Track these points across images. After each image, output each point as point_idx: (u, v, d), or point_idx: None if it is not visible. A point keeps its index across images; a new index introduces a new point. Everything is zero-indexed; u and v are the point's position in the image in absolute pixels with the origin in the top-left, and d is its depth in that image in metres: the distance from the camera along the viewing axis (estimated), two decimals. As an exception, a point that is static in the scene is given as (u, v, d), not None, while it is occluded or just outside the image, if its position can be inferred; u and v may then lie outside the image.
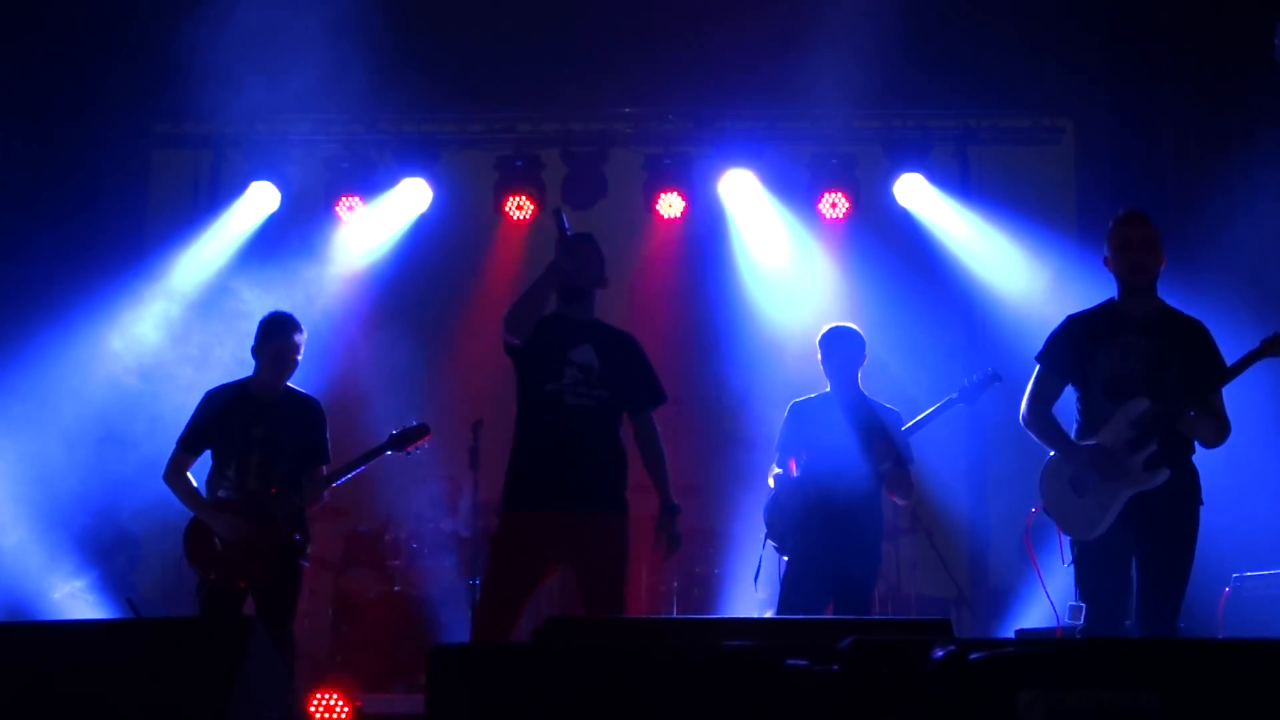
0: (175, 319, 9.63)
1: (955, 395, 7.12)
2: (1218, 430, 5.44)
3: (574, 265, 5.81)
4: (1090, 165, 9.79)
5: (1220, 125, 8.67)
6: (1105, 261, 5.65)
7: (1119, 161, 9.35)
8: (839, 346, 6.97)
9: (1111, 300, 5.67)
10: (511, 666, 2.92)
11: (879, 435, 6.71)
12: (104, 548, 8.81)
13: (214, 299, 9.69)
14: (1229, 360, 5.46)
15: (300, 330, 6.79)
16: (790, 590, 6.67)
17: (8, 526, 8.50)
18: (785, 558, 6.83)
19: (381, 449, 6.81)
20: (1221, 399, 5.47)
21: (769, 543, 6.88)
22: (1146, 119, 9.22)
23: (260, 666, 4.35)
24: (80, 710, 3.89)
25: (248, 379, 6.80)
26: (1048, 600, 6.00)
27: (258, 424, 6.62)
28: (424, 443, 6.92)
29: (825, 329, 7.07)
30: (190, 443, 6.72)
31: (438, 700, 2.87)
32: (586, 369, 5.85)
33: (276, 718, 4.61)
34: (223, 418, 6.67)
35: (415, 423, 6.94)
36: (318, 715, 6.85)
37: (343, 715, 6.85)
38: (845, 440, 6.74)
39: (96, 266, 9.48)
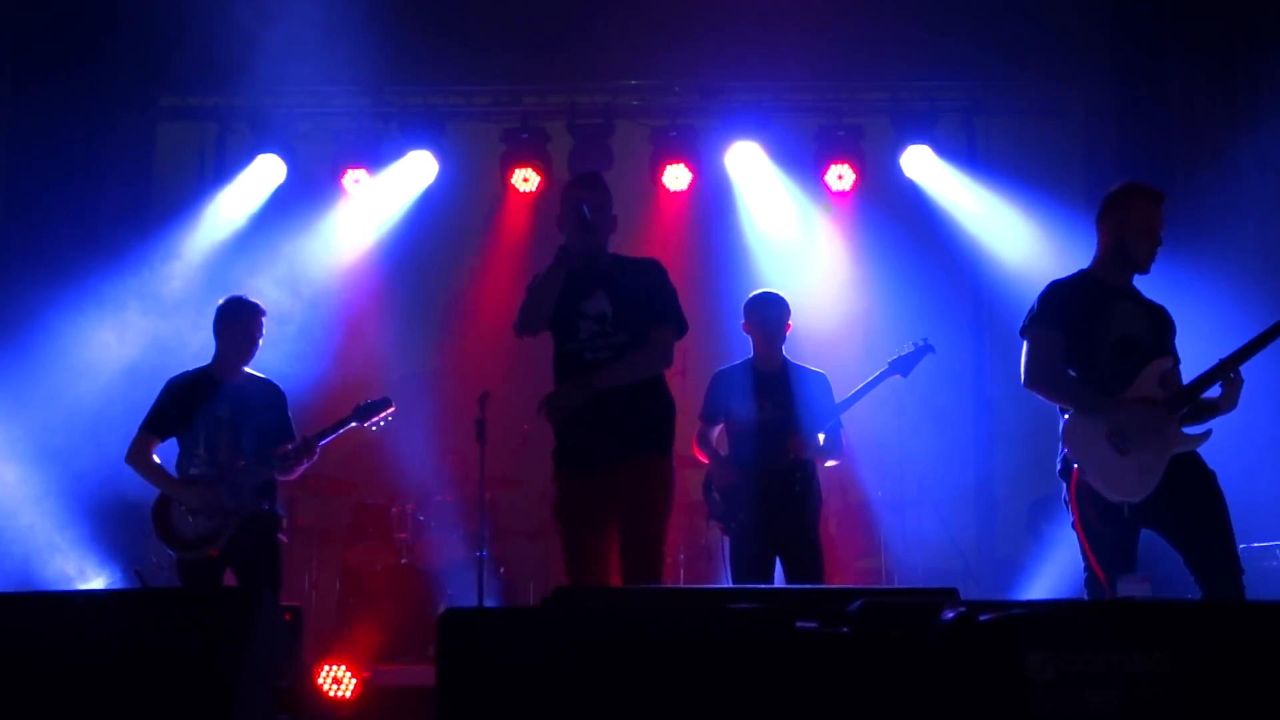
0: (182, 292, 9.64)
1: (886, 368, 7.23)
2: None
3: (584, 246, 5.64)
4: (1098, 135, 9.75)
5: (1228, 92, 8.63)
6: (1100, 223, 5.50)
7: (1127, 131, 9.31)
8: (765, 313, 7.05)
9: (1089, 271, 5.54)
10: (522, 631, 2.93)
11: (795, 417, 6.81)
12: (113, 521, 8.82)
13: (221, 271, 9.69)
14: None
15: (262, 312, 6.93)
16: (736, 561, 6.82)
17: (18, 501, 8.52)
18: (726, 536, 6.99)
19: (345, 421, 6.98)
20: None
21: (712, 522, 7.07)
22: (1154, 87, 9.18)
23: (268, 637, 4.35)
24: (87, 681, 3.90)
25: (209, 365, 6.92)
26: (1098, 573, 5.85)
27: (222, 405, 6.74)
28: (388, 414, 7.08)
29: (751, 295, 7.15)
30: (155, 426, 6.82)
31: (449, 663, 2.88)
32: (600, 319, 5.64)
33: (285, 688, 4.62)
34: (188, 401, 6.77)
35: (377, 398, 7.09)
36: (326, 687, 6.85)
37: (351, 687, 6.86)
38: (764, 419, 6.86)
39: (103, 240, 9.48)
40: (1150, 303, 5.54)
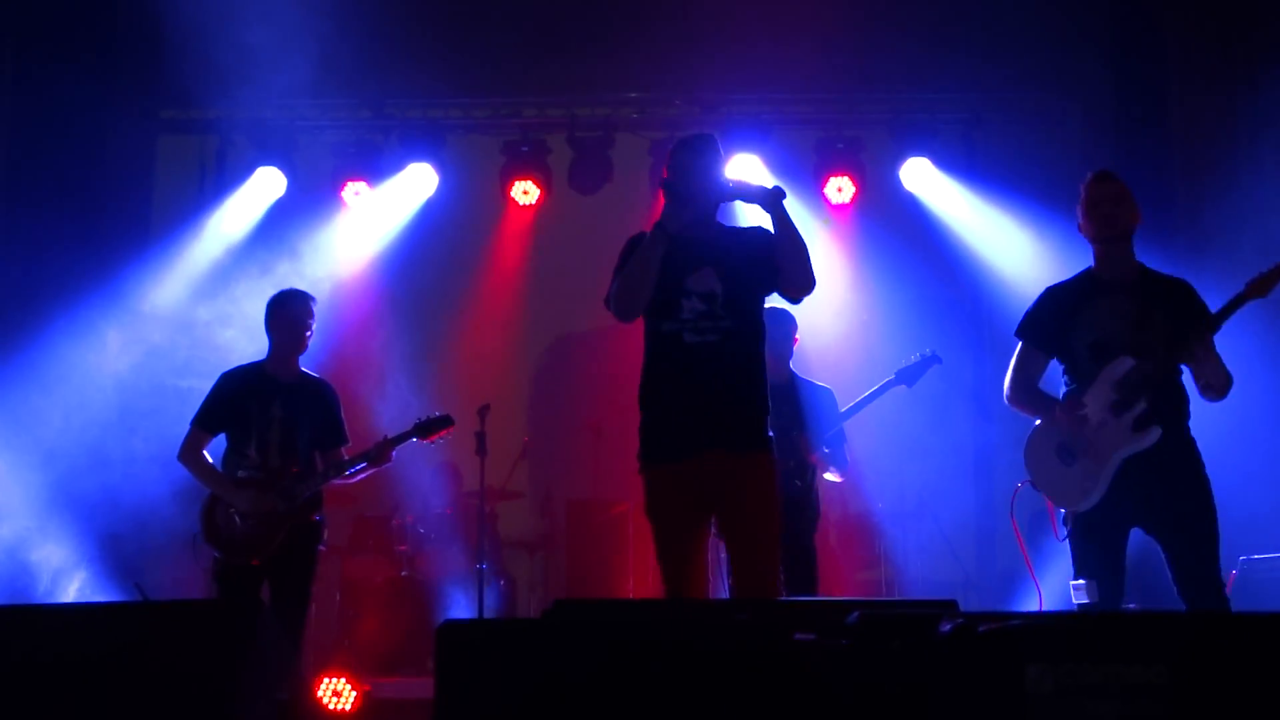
0: (182, 304, 9.64)
1: (893, 377, 7.24)
2: (1222, 369, 5.23)
3: (680, 223, 5.09)
4: (1098, 146, 9.75)
5: (1227, 101, 8.64)
6: (1080, 229, 5.54)
7: (1126, 142, 9.32)
8: (769, 328, 7.04)
9: (1089, 268, 5.55)
10: (521, 643, 2.93)
11: (801, 426, 6.80)
12: (113, 533, 8.81)
13: (221, 284, 9.69)
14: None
15: (313, 300, 6.86)
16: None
17: (17, 514, 8.51)
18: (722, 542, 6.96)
19: (406, 436, 6.87)
20: (1216, 353, 5.27)
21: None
22: (1153, 98, 9.19)
23: (268, 649, 4.36)
24: (88, 693, 3.90)
25: (263, 360, 6.84)
26: (1033, 580, 5.94)
27: (276, 403, 6.66)
28: (448, 433, 6.98)
29: None
30: (207, 422, 6.74)
31: (447, 675, 2.88)
32: (708, 298, 5.10)
33: (284, 701, 4.62)
34: (240, 398, 6.69)
35: (439, 413, 7.00)
36: (326, 699, 6.84)
37: (351, 699, 6.85)
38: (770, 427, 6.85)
39: (103, 252, 9.48)
40: (1156, 282, 5.47)
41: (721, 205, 5.38)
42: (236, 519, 6.55)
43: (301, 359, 6.85)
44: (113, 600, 8.20)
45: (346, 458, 6.77)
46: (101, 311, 9.19)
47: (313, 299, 6.87)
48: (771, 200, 5.12)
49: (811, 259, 5.15)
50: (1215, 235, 8.06)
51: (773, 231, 5.15)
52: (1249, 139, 8.24)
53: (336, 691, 6.84)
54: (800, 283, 5.17)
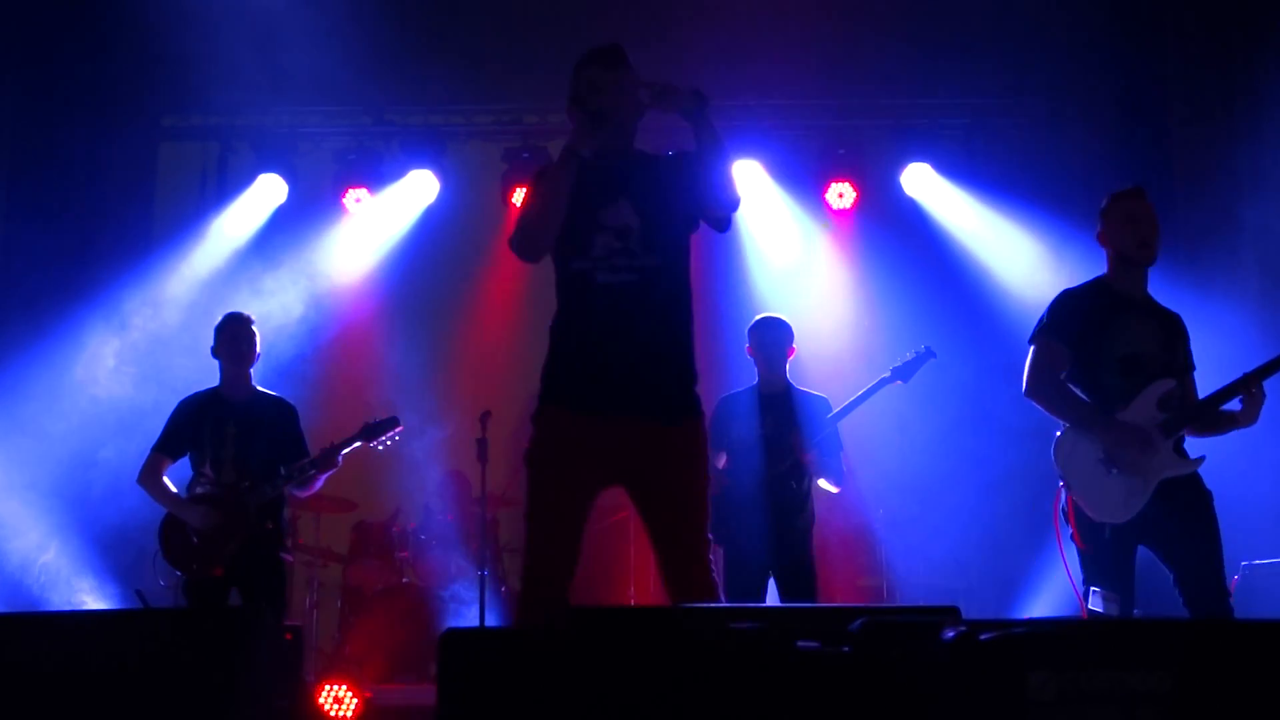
0: (183, 311, 9.64)
1: (888, 374, 7.24)
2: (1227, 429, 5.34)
3: (592, 146, 4.52)
4: (1099, 150, 9.75)
5: (1227, 106, 8.65)
6: (1099, 237, 5.48)
7: (1127, 146, 9.32)
8: (765, 336, 7.07)
9: (1103, 279, 5.51)
10: (523, 651, 2.92)
11: (796, 429, 6.80)
12: (114, 541, 8.81)
13: (222, 291, 9.69)
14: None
15: (249, 320, 7.01)
16: (729, 577, 6.76)
17: (18, 523, 8.51)
18: (720, 548, 6.95)
19: (351, 440, 6.95)
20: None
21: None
22: (1154, 103, 9.20)
23: (268, 657, 4.35)
24: (86, 700, 3.89)
25: (217, 385, 6.99)
26: (1073, 587, 5.87)
27: (230, 423, 6.81)
28: (395, 434, 7.09)
29: (755, 319, 7.17)
30: (166, 446, 6.91)
31: (450, 684, 2.87)
32: (623, 232, 4.53)
33: (285, 708, 4.61)
34: (195, 421, 6.86)
35: (384, 416, 7.10)
36: (327, 707, 6.84)
37: (352, 707, 6.85)
38: (763, 435, 6.85)
39: (104, 260, 9.49)
40: (1164, 311, 5.51)
41: (639, 131, 4.80)
42: (192, 536, 6.69)
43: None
44: (113, 607, 8.20)
45: (303, 464, 6.84)
46: (102, 318, 9.20)
47: (250, 319, 7.04)
48: (692, 106, 4.52)
49: (735, 176, 4.64)
50: (1215, 238, 8.06)
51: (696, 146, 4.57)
52: (1249, 140, 8.24)
53: (338, 699, 6.84)
54: (723, 199, 4.60)
